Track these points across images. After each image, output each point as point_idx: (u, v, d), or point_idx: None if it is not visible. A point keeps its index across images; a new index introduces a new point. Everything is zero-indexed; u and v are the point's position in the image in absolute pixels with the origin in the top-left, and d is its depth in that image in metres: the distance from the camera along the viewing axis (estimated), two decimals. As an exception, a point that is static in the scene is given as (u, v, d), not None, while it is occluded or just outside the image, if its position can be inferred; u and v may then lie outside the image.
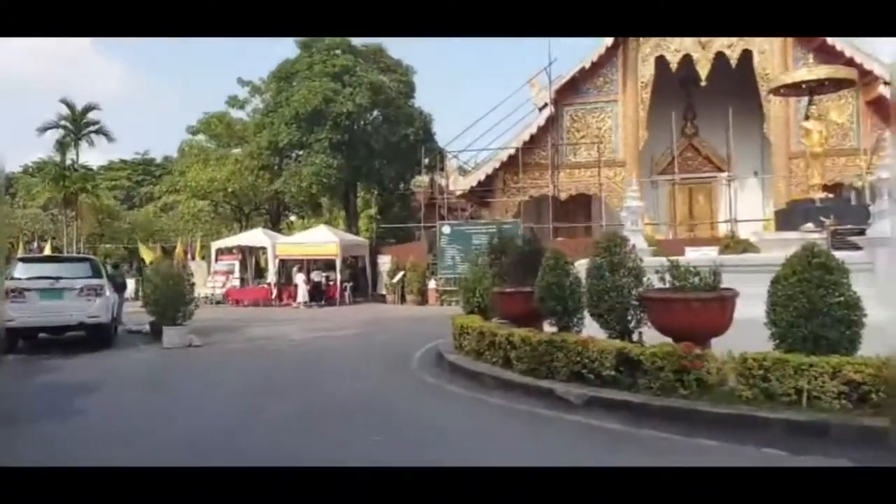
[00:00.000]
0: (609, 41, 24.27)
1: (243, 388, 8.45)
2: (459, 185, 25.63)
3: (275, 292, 25.26)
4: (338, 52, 28.41)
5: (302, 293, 24.03)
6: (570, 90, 25.12)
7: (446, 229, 23.86)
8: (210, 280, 26.50)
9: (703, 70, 23.91)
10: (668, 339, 6.84)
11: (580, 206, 27.01)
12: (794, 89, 12.38)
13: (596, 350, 6.77)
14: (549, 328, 8.68)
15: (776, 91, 12.65)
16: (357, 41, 29.08)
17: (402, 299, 24.07)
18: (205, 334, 13.71)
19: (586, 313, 7.96)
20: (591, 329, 7.93)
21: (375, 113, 28.43)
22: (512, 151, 24.86)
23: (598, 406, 6.44)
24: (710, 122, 25.80)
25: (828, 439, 5.20)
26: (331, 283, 25.24)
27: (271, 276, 25.93)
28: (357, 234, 29.98)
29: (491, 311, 10.59)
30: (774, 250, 11.50)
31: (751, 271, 8.30)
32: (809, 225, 11.84)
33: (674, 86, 25.24)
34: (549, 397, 6.86)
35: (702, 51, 24.03)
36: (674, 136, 24.99)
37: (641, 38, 24.58)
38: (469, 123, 52.71)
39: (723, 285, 6.81)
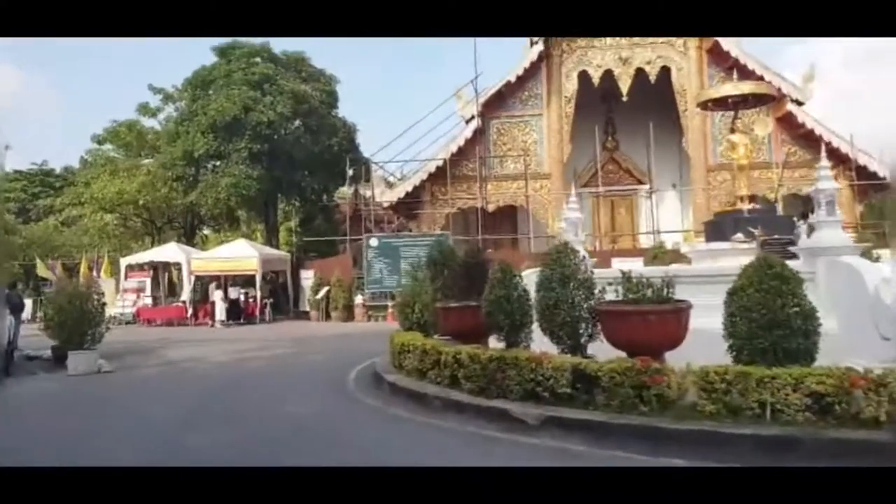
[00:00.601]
0: (534, 55, 24.53)
1: (167, 417, 7.65)
2: (386, 196, 25.13)
3: (190, 311, 23.88)
4: (257, 59, 27.42)
5: (219, 311, 22.81)
6: (497, 103, 25.18)
7: (374, 242, 23.28)
8: (119, 298, 24.84)
9: (625, 85, 24.49)
10: (621, 354, 6.65)
11: (506, 218, 27.08)
12: (720, 104, 12.64)
13: (551, 367, 6.45)
14: (494, 344, 8.37)
15: (703, 105, 12.88)
16: (277, 49, 28.21)
17: (327, 316, 23.26)
18: (116, 358, 12.65)
19: (534, 328, 7.69)
20: (539, 344, 7.66)
21: (297, 123, 27.50)
22: (440, 163, 24.61)
23: (557, 426, 6.11)
24: (630, 136, 26.45)
25: (797, 454, 5.05)
26: (250, 300, 24.11)
27: (186, 294, 24.51)
28: (277, 247, 28.89)
29: (431, 327, 10.20)
30: (706, 261, 11.67)
31: (692, 282, 8.28)
32: (739, 235, 12.07)
33: (595, 101, 25.73)
34: (504, 418, 6.48)
35: (623, 67, 24.64)
36: (597, 150, 25.47)
37: (564, 54, 24.97)
38: (394, 135, 52.37)
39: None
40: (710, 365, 5.75)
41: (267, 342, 16.37)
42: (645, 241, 24.85)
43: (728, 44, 23.25)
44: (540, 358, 6.58)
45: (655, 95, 24.58)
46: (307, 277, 24.38)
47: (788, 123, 23.36)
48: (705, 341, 6.45)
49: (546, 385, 6.51)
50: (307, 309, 24.20)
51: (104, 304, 12.50)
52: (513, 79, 24.72)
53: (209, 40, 31.42)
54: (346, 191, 29.83)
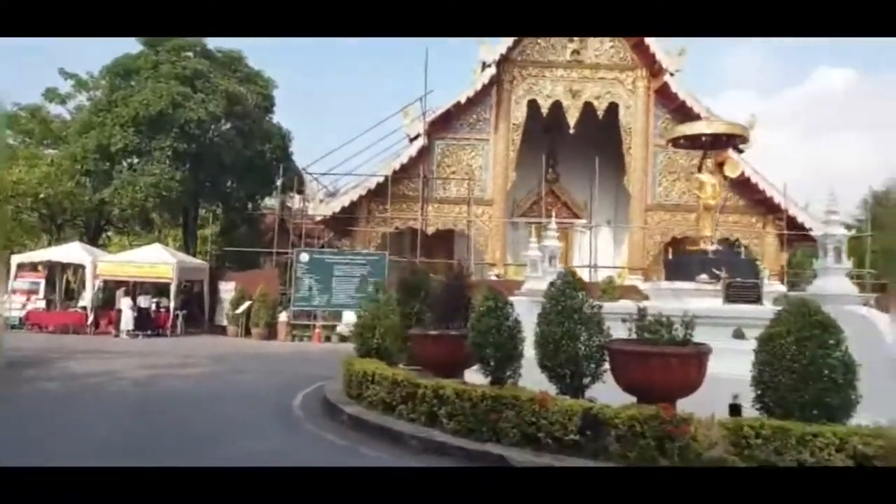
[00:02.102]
0: (486, 79, 24.11)
1: (89, 448, 6.31)
2: (320, 210, 23.84)
3: (91, 318, 21.57)
4: (189, 53, 25.63)
5: (126, 320, 20.69)
6: (443, 124, 24.52)
7: (304, 257, 21.91)
8: (5, 300, 22.18)
9: (572, 118, 24.42)
10: (626, 398, 5.95)
11: (442, 242, 26.30)
12: (692, 141, 12.44)
13: (557, 410, 5.63)
14: (472, 377, 7.51)
15: (675, 142, 12.63)
16: (213, 45, 26.49)
17: (247, 332, 21.62)
18: (7, 369, 10.91)
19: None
20: (526, 381, 6.87)
21: (229, 125, 25.86)
22: (381, 179, 23.63)
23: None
24: (570, 169, 26.44)
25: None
26: (161, 309, 22.08)
27: (88, 299, 22.12)
28: (194, 255, 26.83)
29: (393, 355, 9.25)
30: (669, 300, 11.22)
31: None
32: (704, 276, 11.77)
33: (538, 131, 25.55)
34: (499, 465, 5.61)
35: (572, 99, 24.59)
36: (543, 181, 25.29)
37: (515, 80, 24.69)
38: (330, 146, 50.88)
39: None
40: (745, 418, 5.10)
41: (187, 357, 14.77)
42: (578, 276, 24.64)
43: (676, 85, 23.61)
44: (544, 399, 5.75)
45: (597, 131, 24.61)
46: (227, 290, 22.64)
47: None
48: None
49: (550, 430, 5.70)
50: (224, 323, 22.44)
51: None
52: (463, 100, 24.16)
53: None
54: (272, 202, 28.28)
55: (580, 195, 27.50)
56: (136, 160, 24.37)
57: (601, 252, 25.45)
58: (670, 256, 26.12)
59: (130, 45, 26.29)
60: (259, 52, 38.99)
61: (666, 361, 5.67)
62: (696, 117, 23.52)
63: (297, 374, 12.49)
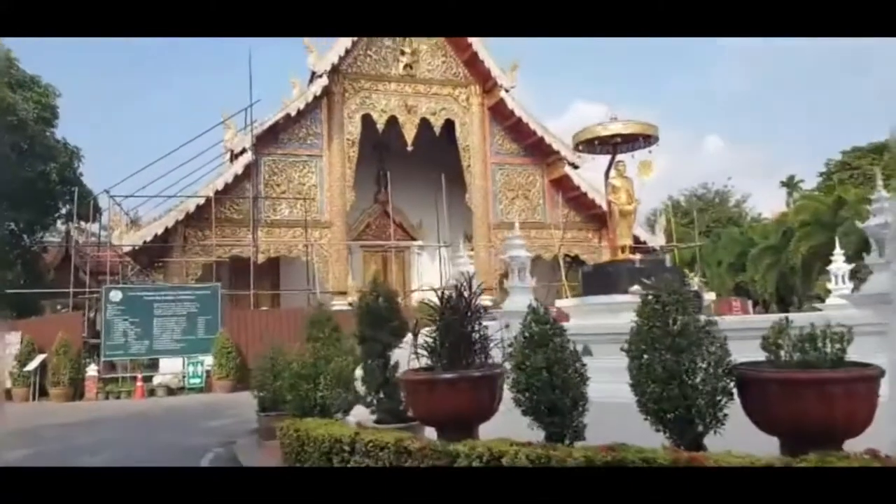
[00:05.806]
0: (317, 89, 22.04)
1: None
2: (126, 240, 19.90)
3: None
4: (-62, 50, 20.23)
5: None
6: (270, 138, 21.94)
7: (116, 295, 18.00)
8: None
9: (409, 134, 23.33)
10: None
11: (267, 271, 23.59)
12: (603, 143, 11.86)
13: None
14: (491, 433, 5.76)
15: (588, 143, 11.94)
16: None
17: (42, 393, 17.15)
18: None
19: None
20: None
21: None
22: (200, 202, 20.38)
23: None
24: (401, 189, 25.30)
25: None
26: (-87, 375, 16.76)
27: None
28: (-48, 302, 21.03)
29: (334, 409, 7.18)
30: (598, 316, 10.43)
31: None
32: (637, 288, 11.11)
33: (369, 148, 24.06)
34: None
35: (407, 115, 23.47)
36: (389, 200, 23.93)
37: (347, 93, 22.95)
38: (137, 166, 43.92)
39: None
40: None
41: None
42: (416, 298, 23.51)
43: (512, 102, 23.52)
44: (696, 459, 4.21)
45: (429, 149, 23.67)
46: (11, 343, 17.81)
47: (563, 186, 24.27)
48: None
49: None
50: (9, 385, 17.60)
51: None
52: (292, 112, 21.83)
53: None
54: (64, 229, 23.31)
55: (414, 216, 26.53)
56: None
57: (443, 274, 24.54)
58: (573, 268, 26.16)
59: None
60: (36, 54, 32.69)
61: (849, 389, 4.33)
62: (532, 133, 23.78)
63: (163, 445, 9.62)
